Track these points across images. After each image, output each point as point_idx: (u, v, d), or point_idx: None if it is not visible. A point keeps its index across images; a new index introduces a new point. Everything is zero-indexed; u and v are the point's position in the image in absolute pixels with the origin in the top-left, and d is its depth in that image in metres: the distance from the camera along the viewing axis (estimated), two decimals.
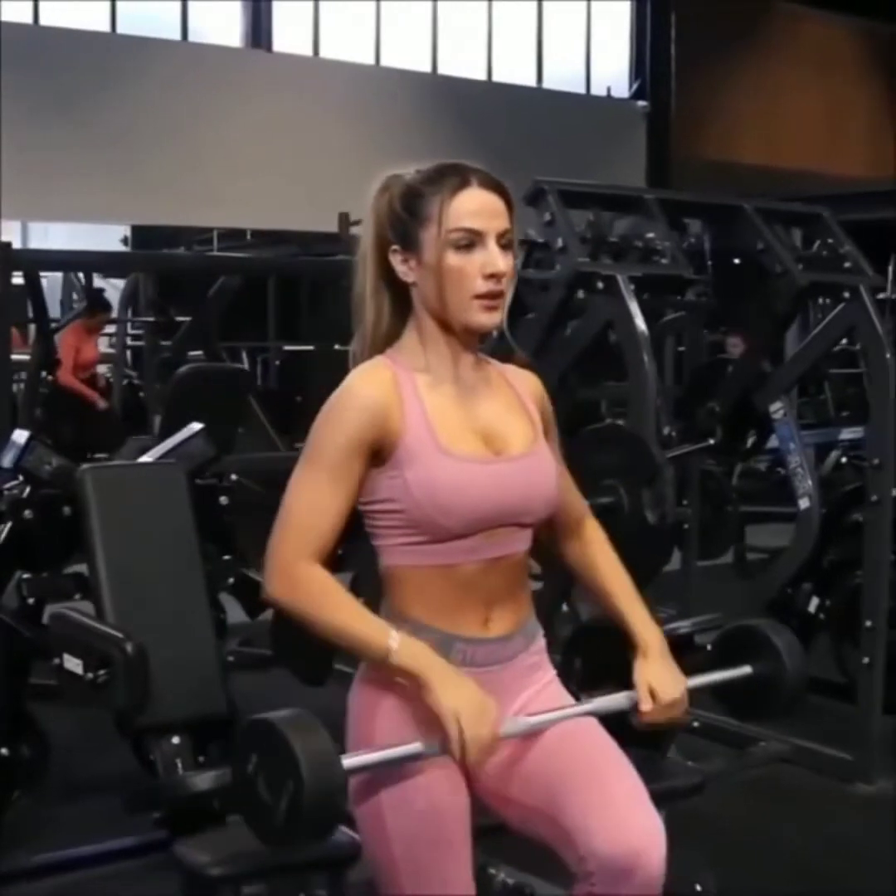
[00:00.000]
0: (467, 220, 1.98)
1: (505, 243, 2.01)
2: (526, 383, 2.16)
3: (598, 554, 2.27)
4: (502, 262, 1.99)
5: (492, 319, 2.01)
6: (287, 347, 13.89)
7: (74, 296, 11.08)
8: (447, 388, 2.04)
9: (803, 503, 4.90)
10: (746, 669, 2.33)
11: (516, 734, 2.04)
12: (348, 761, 1.87)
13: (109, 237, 14.95)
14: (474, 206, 1.99)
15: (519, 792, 2.10)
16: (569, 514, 2.24)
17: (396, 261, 2.02)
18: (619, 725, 2.22)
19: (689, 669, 4.79)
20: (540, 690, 2.15)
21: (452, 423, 2.01)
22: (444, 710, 1.90)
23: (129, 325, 11.06)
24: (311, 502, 1.99)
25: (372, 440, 1.97)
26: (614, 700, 2.18)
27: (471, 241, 1.98)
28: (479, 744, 1.90)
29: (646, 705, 2.16)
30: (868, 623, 4.57)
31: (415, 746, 1.94)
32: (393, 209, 2.02)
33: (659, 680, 2.17)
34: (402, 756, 1.95)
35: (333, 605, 1.98)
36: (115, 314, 10.21)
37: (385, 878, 2.04)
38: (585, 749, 2.10)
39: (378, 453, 1.98)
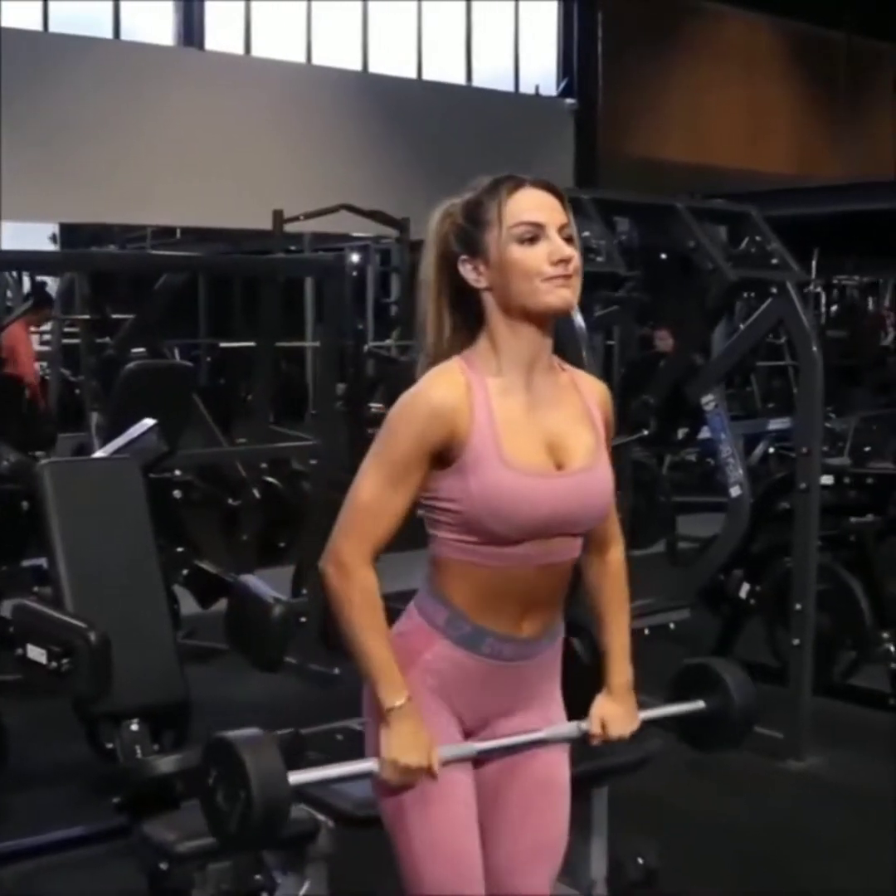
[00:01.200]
0: (526, 215, 2.05)
1: (566, 236, 2.08)
2: (593, 390, 2.22)
3: (611, 586, 2.32)
4: (567, 248, 2.07)
5: (565, 296, 2.06)
6: (224, 344, 13.89)
7: (8, 294, 11.03)
8: (518, 396, 2.10)
9: (735, 491, 5.04)
10: (699, 704, 2.43)
11: (460, 757, 2.16)
12: (294, 778, 2.03)
13: (38, 235, 14.85)
14: (531, 203, 2.07)
15: (485, 815, 2.22)
16: (600, 531, 2.26)
17: (467, 270, 2.09)
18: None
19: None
20: (545, 704, 2.26)
21: (518, 433, 2.07)
22: (383, 747, 2.08)
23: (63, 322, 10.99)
24: (376, 497, 2.07)
25: (438, 443, 2.04)
26: (567, 729, 2.29)
27: (533, 234, 2.05)
28: (405, 770, 2.07)
29: (595, 734, 2.27)
30: (797, 606, 4.73)
31: (366, 764, 2.10)
32: (456, 224, 2.10)
33: (612, 718, 2.27)
34: (347, 775, 2.14)
35: (370, 624, 2.08)
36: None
37: (395, 828, 2.17)
38: (539, 842, 2.25)
39: (444, 455, 2.05)
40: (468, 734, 2.19)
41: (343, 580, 2.08)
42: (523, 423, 2.08)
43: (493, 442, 2.04)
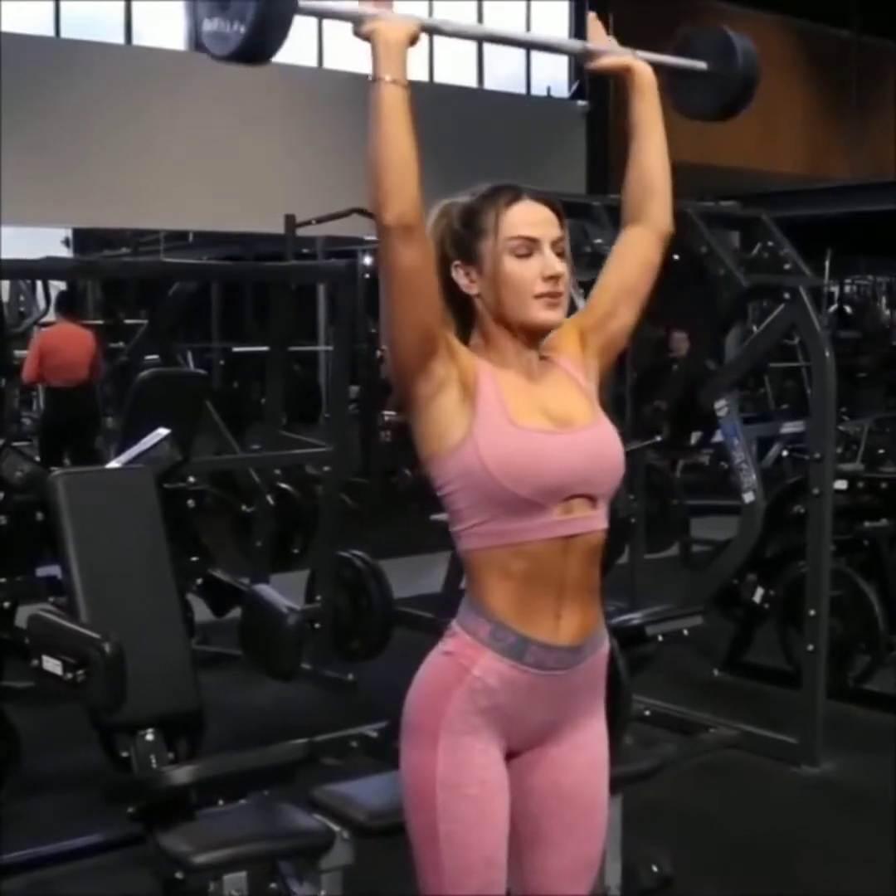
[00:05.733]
0: (523, 229, 2.11)
1: (559, 251, 2.14)
2: (562, 347, 2.25)
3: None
4: (559, 265, 2.12)
5: (553, 315, 2.13)
6: (236, 348, 13.90)
7: (21, 298, 11.08)
8: (514, 377, 2.15)
9: (748, 497, 5.03)
10: (701, 64, 2.50)
11: (428, 25, 2.11)
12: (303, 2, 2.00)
13: (50, 239, 14.89)
14: (528, 217, 2.13)
15: (527, 832, 2.23)
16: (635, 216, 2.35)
17: (459, 275, 2.14)
18: None
19: (640, 660, 4.95)
20: (589, 720, 2.25)
21: (520, 402, 2.12)
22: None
23: None
24: None
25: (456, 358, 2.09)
26: (570, 43, 2.42)
27: (528, 249, 2.11)
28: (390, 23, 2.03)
29: (596, 50, 2.34)
30: (811, 612, 4.73)
31: (358, 8, 2.05)
32: (452, 228, 2.15)
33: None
34: (347, 13, 2.07)
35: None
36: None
37: (425, 852, 2.15)
38: (579, 837, 2.25)
39: (459, 386, 2.08)
40: (512, 755, 2.18)
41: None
42: (524, 396, 2.13)
43: (500, 406, 2.09)
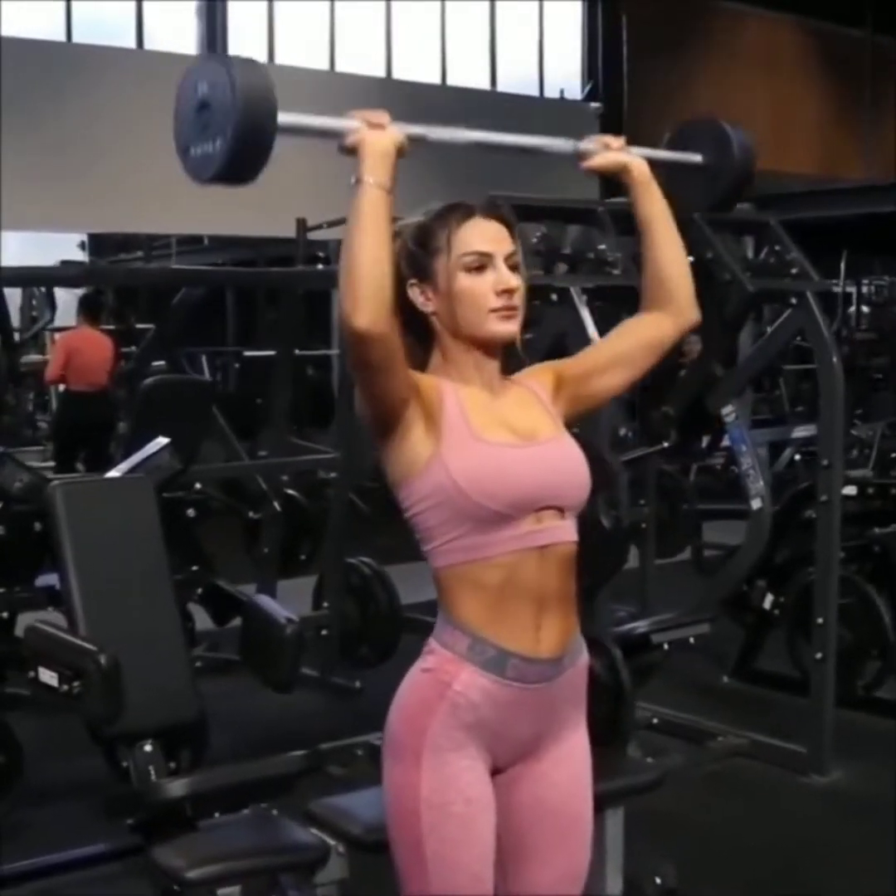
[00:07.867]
0: (475, 244, 2.13)
1: (512, 264, 2.15)
2: (533, 376, 2.27)
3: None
4: (513, 279, 2.14)
5: (508, 328, 2.14)
6: (248, 353, 13.91)
7: (33, 303, 11.10)
8: (475, 390, 2.16)
9: (755, 504, 5.01)
10: (696, 157, 2.48)
11: (414, 135, 2.09)
12: (283, 118, 2.06)
13: (66, 243, 14.92)
14: (480, 232, 2.14)
15: (512, 845, 2.21)
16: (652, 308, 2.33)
17: (415, 294, 2.15)
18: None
19: (646, 668, 4.92)
20: (571, 733, 2.23)
21: (483, 417, 2.12)
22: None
23: None
24: None
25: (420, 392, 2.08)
26: (561, 144, 2.31)
27: (481, 263, 2.12)
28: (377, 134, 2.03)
29: (588, 149, 2.31)
30: (819, 619, 4.69)
31: (343, 123, 2.07)
32: (406, 248, 2.15)
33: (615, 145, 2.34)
34: (331, 128, 2.09)
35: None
36: (74, 322, 10.20)
37: (411, 871, 2.13)
38: (567, 852, 2.24)
39: (424, 417, 2.08)
40: (496, 772, 2.17)
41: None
42: (486, 411, 2.14)
43: (464, 424, 2.10)
